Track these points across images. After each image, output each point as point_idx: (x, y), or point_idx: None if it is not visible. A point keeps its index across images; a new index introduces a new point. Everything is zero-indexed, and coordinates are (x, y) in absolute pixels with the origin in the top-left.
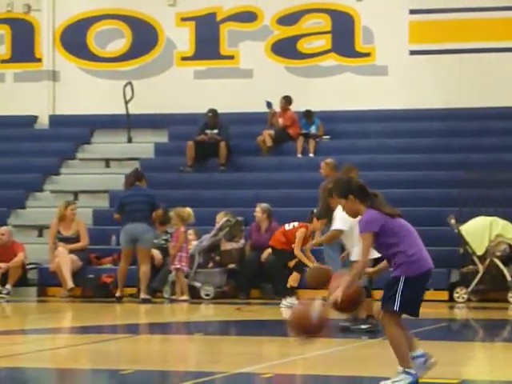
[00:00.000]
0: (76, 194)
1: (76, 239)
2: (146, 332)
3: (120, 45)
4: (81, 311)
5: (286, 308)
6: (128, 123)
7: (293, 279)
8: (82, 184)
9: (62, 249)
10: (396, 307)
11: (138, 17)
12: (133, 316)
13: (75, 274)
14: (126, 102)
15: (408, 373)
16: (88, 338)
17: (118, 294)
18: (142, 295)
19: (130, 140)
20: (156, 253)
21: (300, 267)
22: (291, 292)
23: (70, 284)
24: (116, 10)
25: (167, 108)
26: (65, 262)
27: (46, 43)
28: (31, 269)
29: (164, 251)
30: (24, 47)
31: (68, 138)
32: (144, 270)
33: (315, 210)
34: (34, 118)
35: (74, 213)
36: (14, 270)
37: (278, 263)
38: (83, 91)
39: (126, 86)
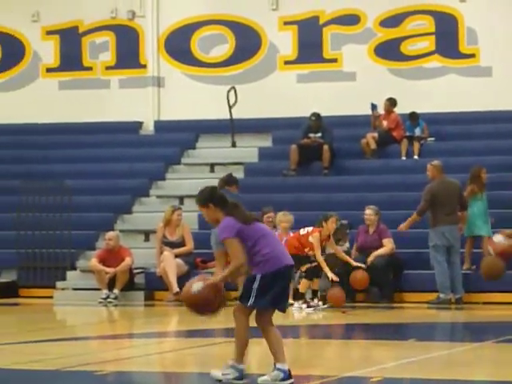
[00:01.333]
0: (181, 198)
1: (181, 244)
2: (250, 335)
3: (223, 50)
4: (187, 315)
5: (297, 311)
6: (232, 128)
7: (302, 286)
8: (187, 189)
9: (168, 253)
10: (250, 303)
11: (241, 22)
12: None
13: (181, 278)
14: (230, 107)
15: (280, 369)
16: (194, 342)
17: None
18: None
19: (234, 144)
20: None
21: (310, 275)
22: (301, 297)
23: (176, 288)
24: (219, 15)
25: (271, 112)
26: (171, 266)
27: (150, 49)
28: (138, 273)
29: None
30: (129, 54)
31: (173, 144)
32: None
33: (323, 214)
34: (139, 124)
35: (179, 218)
36: (121, 275)
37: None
38: (187, 96)
39: (229, 90)
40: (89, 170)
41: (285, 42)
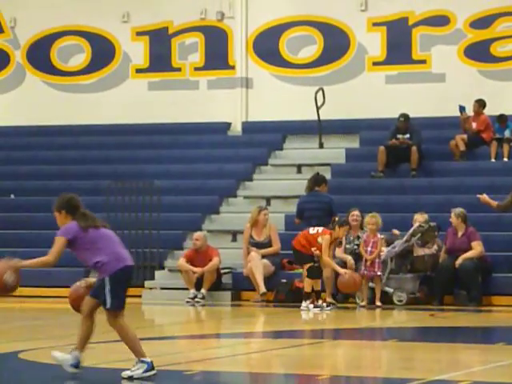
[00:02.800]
0: (268, 199)
1: (268, 244)
2: (336, 337)
3: (312, 51)
4: (273, 316)
5: (305, 311)
6: (319, 129)
7: (306, 285)
8: (274, 189)
9: (255, 254)
10: (110, 305)
11: (330, 22)
12: (323, 321)
13: (268, 279)
14: (318, 108)
15: (143, 361)
16: (281, 343)
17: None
18: (328, 299)
19: (321, 146)
20: (349, 258)
21: (312, 273)
22: (307, 296)
23: (263, 289)
24: (308, 16)
25: (358, 113)
26: (257, 266)
27: (238, 50)
28: (225, 273)
29: (356, 256)
30: (217, 55)
31: (260, 144)
32: (326, 274)
33: (337, 218)
34: (227, 125)
35: (266, 218)
36: (208, 275)
37: (296, 262)
38: (275, 97)
39: (317, 91)
40: (177, 171)
41: (373, 43)
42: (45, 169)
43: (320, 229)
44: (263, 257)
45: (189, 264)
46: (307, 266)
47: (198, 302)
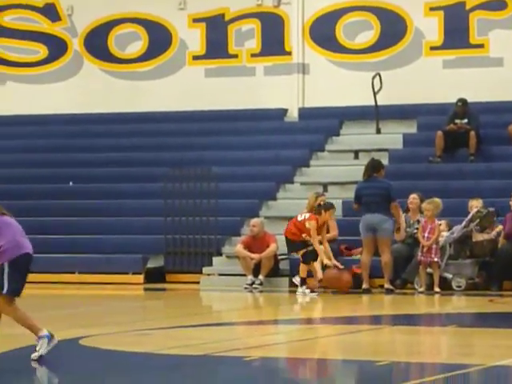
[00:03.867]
0: (325, 185)
1: (326, 230)
2: (395, 323)
3: (368, 36)
4: (331, 302)
5: (301, 296)
6: (376, 114)
7: (301, 270)
8: (331, 176)
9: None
10: (6, 290)
11: (387, 7)
12: (381, 307)
13: (325, 265)
14: (375, 93)
15: (41, 336)
16: (339, 329)
17: (364, 285)
18: (386, 285)
19: (378, 131)
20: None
21: (307, 259)
22: (303, 281)
23: (320, 275)
24: (364, 1)
25: (416, 98)
26: None
27: (295, 36)
28: (283, 259)
29: (414, 240)
30: (274, 41)
31: (317, 130)
32: (385, 260)
33: (322, 203)
34: (284, 111)
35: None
36: (266, 261)
37: (289, 252)
38: (332, 83)
39: (374, 77)
40: (235, 157)
41: (430, 28)
42: (103, 156)
43: (307, 215)
44: (321, 243)
45: (246, 250)
46: (301, 252)
47: (255, 288)
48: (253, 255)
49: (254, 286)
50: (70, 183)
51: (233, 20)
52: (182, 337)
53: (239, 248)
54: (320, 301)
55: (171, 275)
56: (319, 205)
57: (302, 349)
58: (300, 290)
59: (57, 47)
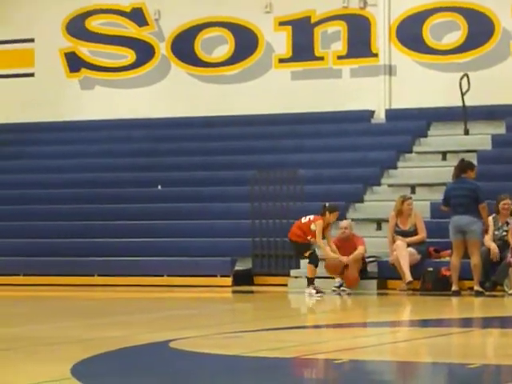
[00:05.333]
0: (413, 187)
1: (414, 232)
2: (486, 326)
3: (456, 37)
4: (420, 305)
5: (308, 296)
6: (464, 115)
7: (308, 271)
8: (418, 177)
9: (401, 242)
10: None
11: (474, 8)
12: (470, 309)
13: (414, 267)
14: (463, 94)
15: None
16: (428, 332)
17: (453, 287)
18: (475, 287)
19: (466, 132)
20: (493, 246)
21: (313, 260)
22: (311, 282)
23: (409, 277)
24: (451, 2)
25: (505, 99)
26: (403, 255)
27: (381, 38)
28: (371, 262)
29: (503, 243)
30: (360, 42)
31: (404, 132)
32: (474, 262)
33: (327, 204)
34: (370, 113)
35: (410, 208)
36: (354, 263)
37: (295, 254)
38: (419, 84)
39: (462, 78)
40: (321, 160)
41: None
42: (190, 160)
43: (311, 216)
44: (409, 245)
45: None
46: (308, 253)
47: (343, 290)
48: (341, 257)
49: (341, 288)
50: (159, 187)
51: (319, 22)
52: (272, 339)
53: (327, 250)
54: (408, 303)
55: (259, 277)
56: (324, 206)
57: (392, 351)
58: (307, 290)
59: (144, 52)
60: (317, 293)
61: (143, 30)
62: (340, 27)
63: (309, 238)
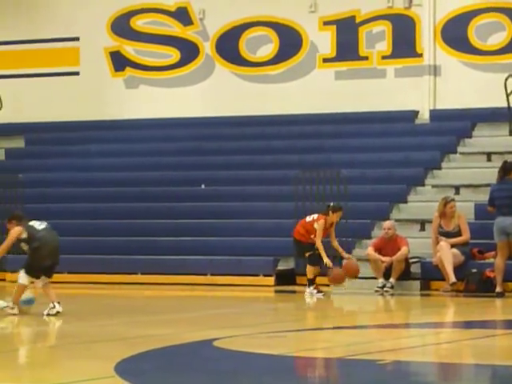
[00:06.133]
0: (457, 188)
1: (457, 233)
2: None
3: (501, 37)
4: (463, 306)
5: (309, 296)
6: (509, 116)
7: (308, 271)
8: (463, 178)
9: (444, 243)
10: None
11: None
12: None
13: (457, 268)
14: (508, 95)
15: None
16: (472, 333)
17: (497, 288)
18: (498, 289)
19: (511, 133)
20: None
21: (313, 260)
22: (311, 282)
23: (453, 278)
24: (496, 2)
25: None
26: (447, 256)
27: (426, 38)
28: (414, 262)
29: None
30: (405, 43)
31: (449, 132)
32: (498, 262)
33: (331, 204)
34: (414, 113)
35: (452, 210)
36: (397, 264)
37: (296, 253)
38: (464, 85)
39: (507, 78)
40: (364, 160)
41: None
42: (234, 159)
43: (315, 216)
44: (452, 246)
45: (377, 253)
46: (308, 253)
47: (386, 291)
48: (384, 258)
49: (384, 288)
50: (202, 186)
51: (363, 22)
52: (315, 339)
53: (370, 251)
54: (452, 304)
55: (302, 277)
56: (328, 205)
57: (435, 353)
58: (308, 290)
59: (189, 51)
60: (318, 292)
61: (188, 29)
62: (385, 27)
63: (312, 236)
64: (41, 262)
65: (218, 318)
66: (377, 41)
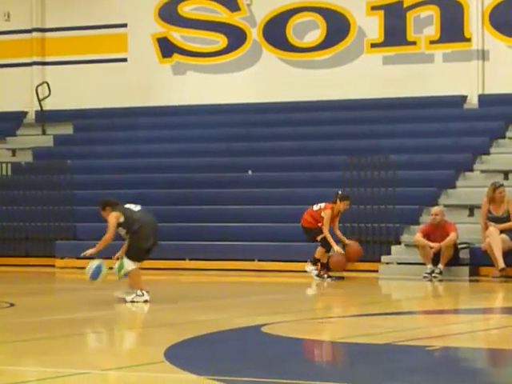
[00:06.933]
0: (506, 173)
1: (507, 219)
2: None
3: None
4: None
5: (313, 275)
6: None
7: (319, 253)
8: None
9: (494, 228)
10: None
11: None
12: None
13: (507, 254)
14: None
15: None
16: None
17: None
18: None
19: None
20: None
21: (325, 243)
22: (316, 262)
23: (502, 264)
24: None
25: None
26: (496, 241)
27: (474, 22)
28: (463, 248)
29: None
30: (453, 27)
31: (498, 117)
32: None
33: (340, 192)
34: (463, 98)
35: (502, 195)
36: (446, 250)
37: (307, 239)
38: None
39: None
40: (413, 145)
41: None
42: (281, 145)
43: (322, 204)
44: (502, 232)
45: (425, 239)
46: (320, 237)
47: (435, 277)
48: (432, 244)
49: (433, 274)
50: (249, 172)
51: (411, 7)
52: (364, 325)
53: (418, 237)
54: (501, 290)
55: (349, 263)
56: (336, 193)
57: (485, 339)
58: (308, 268)
59: (236, 37)
60: (328, 277)
61: (235, 15)
62: (433, 11)
63: (319, 224)
64: (143, 244)
65: (265, 303)
66: (425, 25)
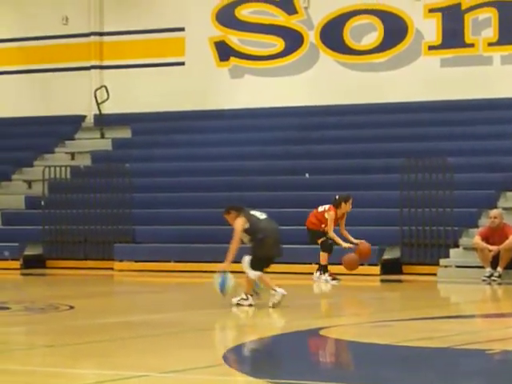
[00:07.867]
0: None
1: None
2: None
3: None
4: None
5: (324, 283)
6: None
7: (322, 258)
8: None
9: None
10: None
11: None
12: None
13: None
14: None
15: None
16: None
17: None
18: None
19: None
20: None
21: (326, 246)
22: (325, 268)
23: None
24: None
25: None
26: None
27: None
28: None
29: None
30: (511, 30)
31: None
32: None
33: (338, 196)
34: None
35: None
36: (505, 253)
37: (309, 241)
38: None
39: None
40: (470, 148)
41: None
42: (338, 148)
43: (327, 206)
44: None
45: (484, 242)
46: (320, 240)
47: (494, 280)
48: (491, 247)
49: (492, 278)
50: (306, 175)
51: (469, 9)
52: (423, 329)
53: (477, 239)
54: None
55: (407, 266)
56: (335, 198)
57: None
58: (323, 277)
59: (293, 40)
60: (333, 279)
61: (292, 18)
62: (491, 14)
63: (323, 226)
64: (267, 253)
65: (324, 306)
66: (483, 28)
